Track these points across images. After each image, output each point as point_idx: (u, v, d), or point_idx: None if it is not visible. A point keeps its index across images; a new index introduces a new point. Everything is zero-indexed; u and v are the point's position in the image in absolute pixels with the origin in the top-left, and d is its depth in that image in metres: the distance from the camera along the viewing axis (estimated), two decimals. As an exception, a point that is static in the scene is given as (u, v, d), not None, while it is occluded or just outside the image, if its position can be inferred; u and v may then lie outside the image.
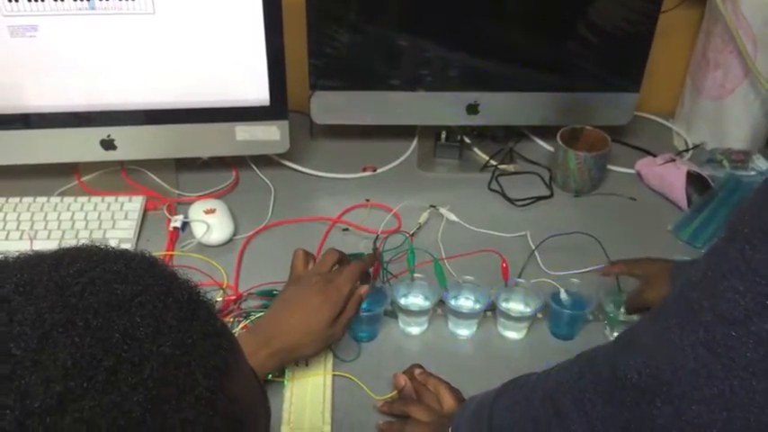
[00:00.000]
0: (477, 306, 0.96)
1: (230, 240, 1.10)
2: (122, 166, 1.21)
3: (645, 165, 1.25)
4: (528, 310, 0.97)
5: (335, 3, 1.12)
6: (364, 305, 0.91)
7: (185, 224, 1.10)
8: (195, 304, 0.41)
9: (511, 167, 1.27)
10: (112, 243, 1.05)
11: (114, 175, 1.20)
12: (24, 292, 0.37)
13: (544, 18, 1.17)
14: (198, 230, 1.08)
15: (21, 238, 1.06)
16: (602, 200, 1.21)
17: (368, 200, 1.17)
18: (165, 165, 1.21)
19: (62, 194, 1.15)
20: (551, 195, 1.22)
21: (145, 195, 1.15)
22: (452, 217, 1.14)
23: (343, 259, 0.92)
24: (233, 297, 0.99)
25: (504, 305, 0.95)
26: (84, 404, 0.33)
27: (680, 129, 1.38)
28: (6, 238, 1.06)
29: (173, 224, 1.10)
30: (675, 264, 0.93)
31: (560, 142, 1.19)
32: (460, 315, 0.95)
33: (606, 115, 1.26)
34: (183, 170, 1.23)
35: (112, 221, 1.10)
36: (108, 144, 1.12)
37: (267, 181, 1.22)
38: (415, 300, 0.98)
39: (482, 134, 1.32)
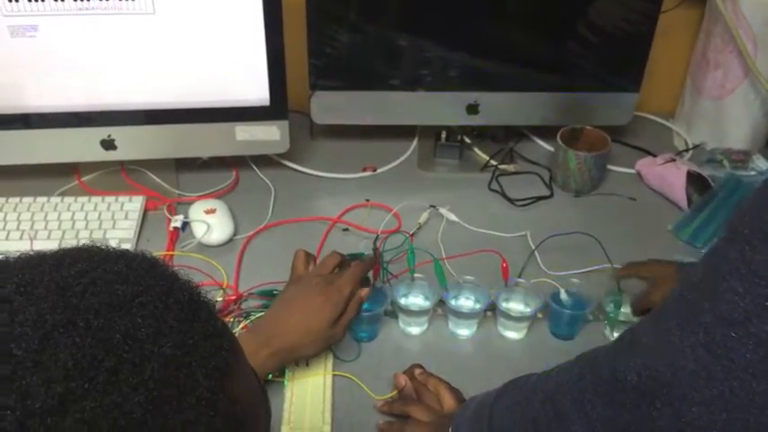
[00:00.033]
0: (477, 306, 0.96)
1: (230, 240, 1.10)
2: (122, 166, 1.21)
3: (645, 165, 1.25)
4: (528, 310, 0.97)
5: (335, 3, 1.12)
6: (364, 305, 0.91)
7: (185, 224, 1.10)
8: (196, 305, 0.41)
9: (511, 167, 1.27)
10: (113, 243, 1.04)
11: (114, 175, 1.20)
12: (25, 292, 0.37)
13: (544, 18, 1.17)
14: (198, 230, 1.08)
15: (21, 238, 1.06)
16: (602, 200, 1.21)
17: (368, 200, 1.17)
18: (165, 165, 1.21)
19: (62, 194, 1.15)
20: (551, 195, 1.22)
21: (145, 195, 1.15)
22: (452, 217, 1.14)
23: (344, 262, 0.92)
24: (233, 297, 0.99)
25: (504, 305, 0.95)
26: (86, 405, 0.33)
27: (680, 129, 1.38)
28: (6, 238, 1.06)
29: (173, 224, 1.10)
30: (682, 265, 0.94)
31: (560, 142, 1.19)
32: (460, 315, 0.95)
33: (606, 115, 1.26)
34: (183, 170, 1.23)
35: (112, 221, 1.10)
36: (108, 144, 1.12)
37: (267, 181, 1.22)
38: (415, 300, 0.98)
39: (482, 134, 1.32)
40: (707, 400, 0.48)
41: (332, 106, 1.22)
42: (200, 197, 1.16)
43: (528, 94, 1.23)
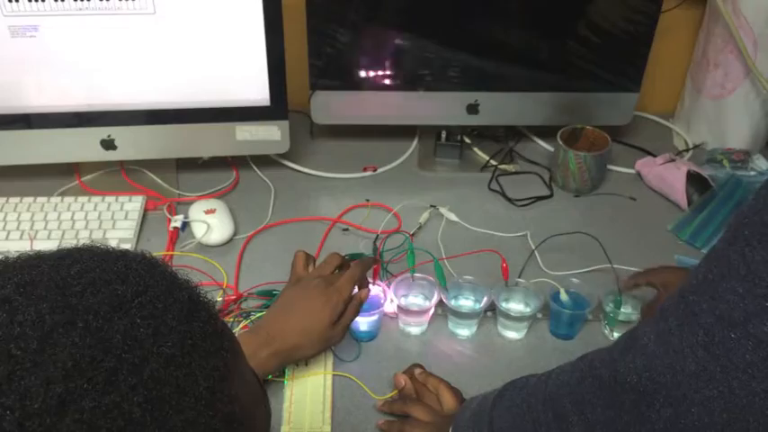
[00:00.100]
0: (477, 306, 0.96)
1: (230, 240, 1.10)
2: (122, 166, 1.21)
3: (645, 165, 1.25)
4: (528, 310, 0.97)
5: (335, 3, 1.12)
6: (364, 305, 0.91)
7: (185, 224, 1.10)
8: (195, 305, 0.41)
9: (511, 167, 1.27)
10: (112, 243, 1.05)
11: (114, 175, 1.20)
12: (25, 292, 0.37)
13: (544, 18, 1.17)
14: (198, 230, 1.08)
15: (21, 238, 1.06)
16: (602, 200, 1.21)
17: (368, 200, 1.17)
18: (165, 165, 1.21)
19: (62, 194, 1.15)
20: (551, 195, 1.22)
21: (145, 195, 1.15)
22: (452, 217, 1.14)
23: (345, 264, 0.92)
24: (233, 297, 0.99)
25: (504, 305, 0.95)
26: (85, 405, 0.33)
27: (680, 129, 1.38)
28: (6, 238, 1.06)
29: (173, 224, 1.10)
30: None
31: (560, 142, 1.19)
32: (460, 315, 0.95)
33: (606, 115, 1.26)
34: (183, 170, 1.23)
35: (112, 221, 1.10)
36: (108, 144, 1.12)
37: (267, 181, 1.22)
38: (415, 300, 0.98)
39: (482, 134, 1.32)
40: (706, 401, 0.48)
41: (332, 106, 1.22)
42: (200, 197, 1.16)
43: (528, 94, 1.23)
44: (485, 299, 0.94)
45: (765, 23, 1.16)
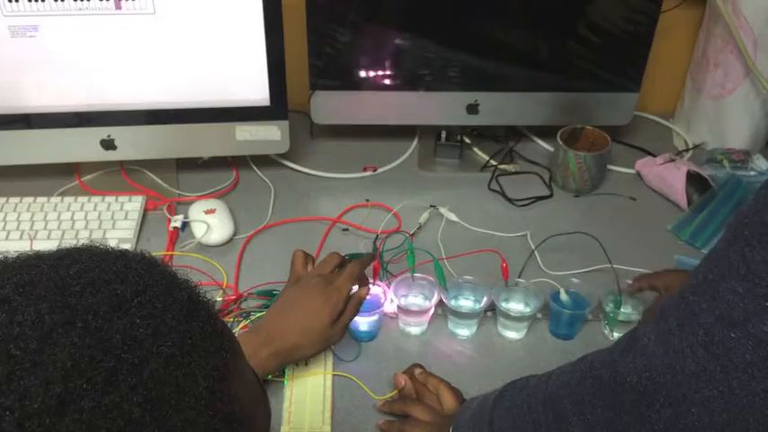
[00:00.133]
0: (477, 306, 0.96)
1: (230, 240, 1.10)
2: (122, 166, 1.21)
3: (645, 165, 1.25)
4: (528, 310, 0.97)
5: (335, 3, 1.12)
6: (364, 305, 0.91)
7: (185, 224, 1.10)
8: (195, 304, 0.41)
9: (511, 167, 1.27)
10: (112, 243, 1.04)
11: (114, 175, 1.20)
12: (24, 292, 0.37)
13: (544, 18, 1.17)
14: (198, 230, 1.08)
15: (21, 238, 1.06)
16: (602, 200, 1.21)
17: (368, 200, 1.17)
18: (165, 165, 1.21)
19: (62, 194, 1.15)
20: (551, 195, 1.22)
21: (145, 195, 1.15)
22: (452, 217, 1.14)
23: (344, 263, 0.92)
24: (233, 297, 0.99)
25: (504, 305, 0.95)
26: (84, 405, 0.33)
27: (680, 129, 1.38)
28: (6, 238, 1.06)
29: (173, 224, 1.10)
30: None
31: (560, 142, 1.19)
32: (460, 315, 0.95)
33: (606, 115, 1.26)
34: (183, 170, 1.23)
35: (112, 221, 1.10)
36: (108, 144, 1.12)
37: (267, 181, 1.22)
38: (415, 300, 0.98)
39: (482, 134, 1.32)
40: (707, 401, 0.48)
41: (332, 106, 1.22)
42: (200, 197, 1.16)
43: (528, 94, 1.23)
44: (485, 299, 0.94)
45: (765, 23, 1.16)
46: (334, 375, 0.90)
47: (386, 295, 0.97)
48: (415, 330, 0.97)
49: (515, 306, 0.98)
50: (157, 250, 1.06)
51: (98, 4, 0.98)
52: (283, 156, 1.24)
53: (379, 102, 1.22)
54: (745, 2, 1.15)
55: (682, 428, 0.49)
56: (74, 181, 1.19)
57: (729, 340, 0.46)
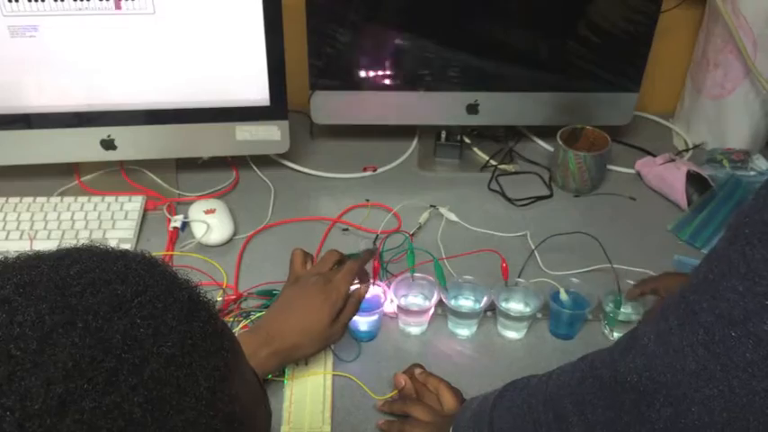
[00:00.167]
0: (477, 306, 0.96)
1: (230, 240, 1.10)
2: (122, 166, 1.21)
3: (645, 165, 1.25)
4: (528, 310, 0.97)
5: (335, 3, 1.12)
6: (364, 305, 0.91)
7: (185, 224, 1.10)
8: (195, 304, 0.41)
9: (511, 167, 1.27)
10: (112, 243, 1.05)
11: (114, 175, 1.20)
12: (24, 292, 0.37)
13: (544, 18, 1.17)
14: (198, 230, 1.08)
15: (21, 238, 1.06)
16: (602, 200, 1.21)
17: (368, 200, 1.17)
18: (165, 165, 1.21)
19: (62, 194, 1.15)
20: (551, 195, 1.22)
21: (145, 195, 1.15)
22: (452, 217, 1.14)
23: (343, 260, 0.92)
24: (233, 297, 0.99)
25: (503, 305, 0.95)
26: (85, 405, 0.33)
27: (680, 129, 1.38)
28: (6, 238, 1.06)
29: (173, 224, 1.10)
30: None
31: (560, 142, 1.19)
32: (460, 315, 0.95)
33: (606, 115, 1.26)
34: (183, 170, 1.23)
35: (112, 221, 1.10)
36: (108, 144, 1.12)
37: (267, 181, 1.22)
38: (415, 300, 0.98)
39: (482, 134, 1.32)
40: (707, 400, 0.48)
41: (332, 106, 1.22)
42: (199, 197, 1.16)
43: (528, 94, 1.23)
44: (485, 299, 0.94)
45: (765, 23, 1.16)
46: (334, 375, 0.90)
47: (386, 295, 0.97)
48: (415, 330, 0.97)
49: (515, 306, 0.98)
50: (157, 250, 1.06)
51: (98, 4, 0.98)
52: (283, 156, 1.24)
53: (379, 102, 1.22)
54: (745, 2, 1.15)
55: (682, 428, 0.49)
56: (74, 181, 1.19)
57: (730, 339, 0.46)
